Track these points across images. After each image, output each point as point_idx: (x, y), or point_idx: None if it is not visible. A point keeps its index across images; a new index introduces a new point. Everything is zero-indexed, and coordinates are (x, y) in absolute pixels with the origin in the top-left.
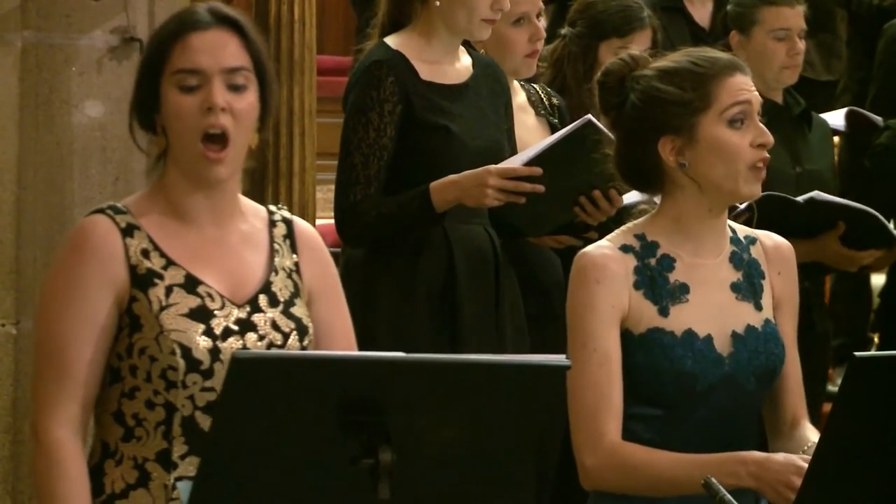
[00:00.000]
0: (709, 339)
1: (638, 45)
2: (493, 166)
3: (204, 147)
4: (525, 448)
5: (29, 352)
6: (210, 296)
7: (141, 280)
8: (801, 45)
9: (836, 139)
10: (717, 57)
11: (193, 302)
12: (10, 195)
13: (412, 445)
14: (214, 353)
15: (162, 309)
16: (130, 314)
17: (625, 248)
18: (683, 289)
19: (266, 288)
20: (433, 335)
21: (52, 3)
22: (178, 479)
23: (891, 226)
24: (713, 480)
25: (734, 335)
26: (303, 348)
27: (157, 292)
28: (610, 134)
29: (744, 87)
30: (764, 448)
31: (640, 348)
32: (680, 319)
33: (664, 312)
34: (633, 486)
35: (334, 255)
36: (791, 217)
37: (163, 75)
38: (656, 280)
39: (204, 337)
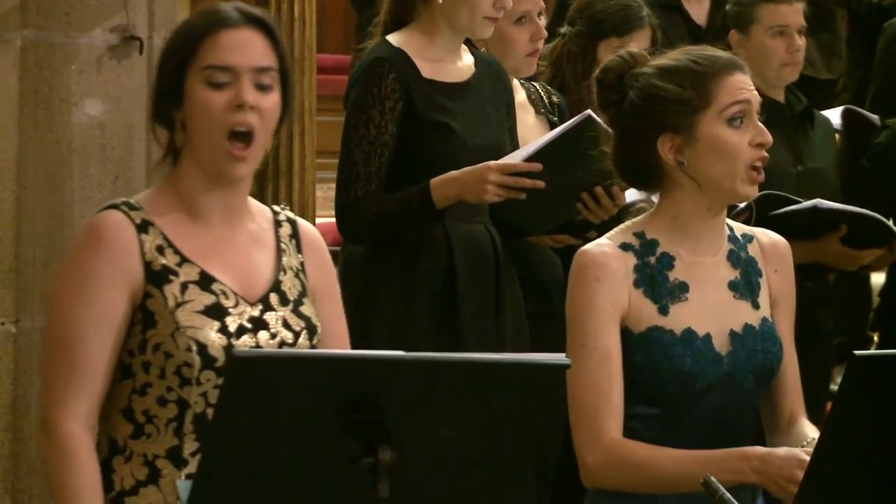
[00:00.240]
0: (708, 337)
1: (637, 44)
2: (493, 162)
3: (230, 144)
4: (525, 447)
5: (29, 350)
6: (224, 293)
7: (156, 276)
8: (801, 41)
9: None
10: (717, 55)
11: (208, 299)
12: (10, 194)
13: (412, 444)
14: (229, 350)
15: (178, 306)
16: (144, 310)
17: (624, 247)
18: (683, 287)
19: (276, 287)
20: (433, 334)
21: (52, 2)
22: (189, 476)
23: (891, 224)
24: (712, 479)
25: (732, 334)
26: (312, 347)
27: (173, 289)
28: (610, 130)
29: (743, 87)
30: (761, 445)
31: (639, 347)
32: (679, 318)
33: (664, 311)
34: (634, 484)
35: (334, 253)
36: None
37: (189, 70)
38: (656, 278)
39: (219, 334)
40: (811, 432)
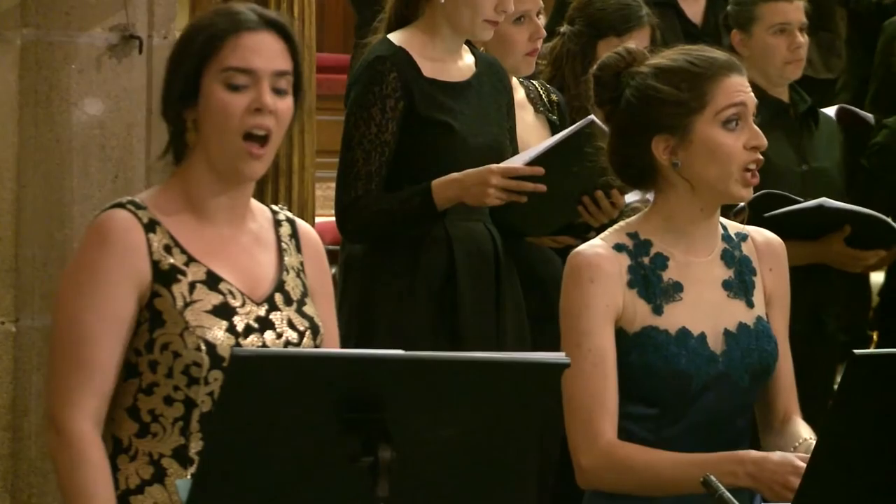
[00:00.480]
0: (702, 337)
1: (636, 43)
2: (495, 165)
3: (246, 144)
4: (525, 446)
5: (28, 349)
6: (231, 293)
7: (164, 275)
8: (803, 38)
9: None
10: (714, 57)
11: (216, 299)
12: (10, 193)
13: (412, 443)
14: None
15: (186, 305)
16: (151, 309)
17: (618, 247)
18: (677, 287)
19: (280, 286)
20: (433, 333)
21: (52, 1)
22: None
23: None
24: (712, 478)
25: (727, 333)
26: (315, 346)
27: (181, 288)
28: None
29: (740, 89)
30: (756, 444)
31: (634, 347)
32: (674, 318)
33: (658, 311)
34: (629, 486)
35: (334, 252)
36: (795, 219)
37: (206, 71)
38: (650, 279)
39: (227, 334)
40: (805, 432)
